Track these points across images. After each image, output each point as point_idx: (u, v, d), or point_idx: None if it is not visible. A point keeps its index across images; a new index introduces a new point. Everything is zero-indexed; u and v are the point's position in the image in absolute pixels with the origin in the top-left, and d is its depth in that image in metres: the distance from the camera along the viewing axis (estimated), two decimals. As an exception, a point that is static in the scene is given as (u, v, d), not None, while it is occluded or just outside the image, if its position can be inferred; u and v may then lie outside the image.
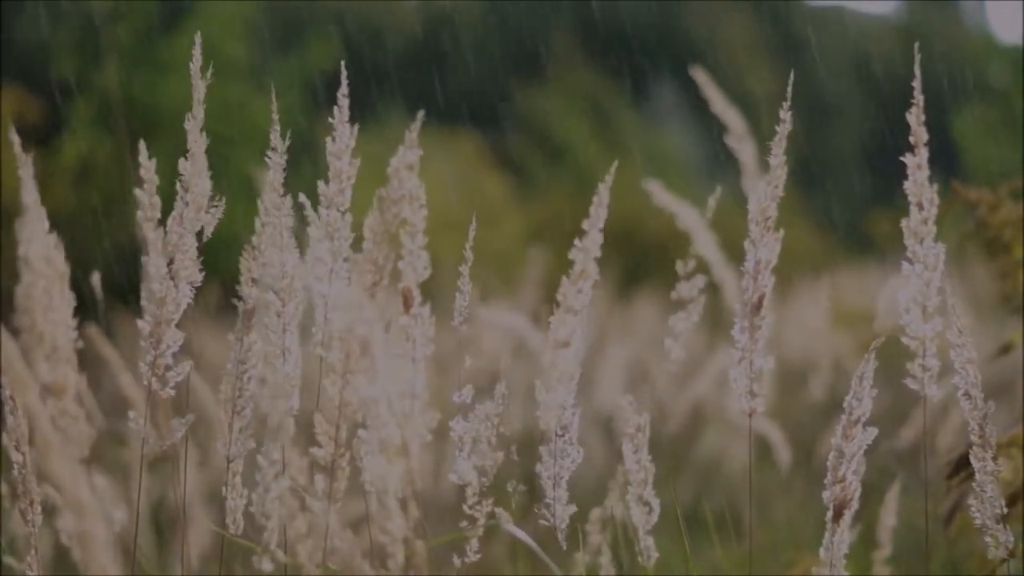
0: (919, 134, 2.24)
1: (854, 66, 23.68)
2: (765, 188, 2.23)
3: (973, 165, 16.45)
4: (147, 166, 2.49)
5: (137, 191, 2.49)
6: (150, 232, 2.57)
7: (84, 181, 9.34)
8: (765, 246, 2.23)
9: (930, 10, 26.60)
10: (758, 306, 2.22)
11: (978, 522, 2.17)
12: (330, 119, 2.27)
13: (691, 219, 3.86)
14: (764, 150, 2.30)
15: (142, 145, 2.48)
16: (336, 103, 2.28)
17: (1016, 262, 3.25)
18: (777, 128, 2.26)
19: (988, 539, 2.17)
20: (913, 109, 2.23)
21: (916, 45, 2.24)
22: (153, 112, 9.29)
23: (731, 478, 5.66)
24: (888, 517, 3.20)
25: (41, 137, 9.06)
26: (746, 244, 2.24)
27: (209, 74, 2.25)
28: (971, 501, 2.17)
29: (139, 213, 2.50)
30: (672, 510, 2.45)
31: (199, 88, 2.25)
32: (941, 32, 24.31)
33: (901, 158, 2.24)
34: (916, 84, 2.23)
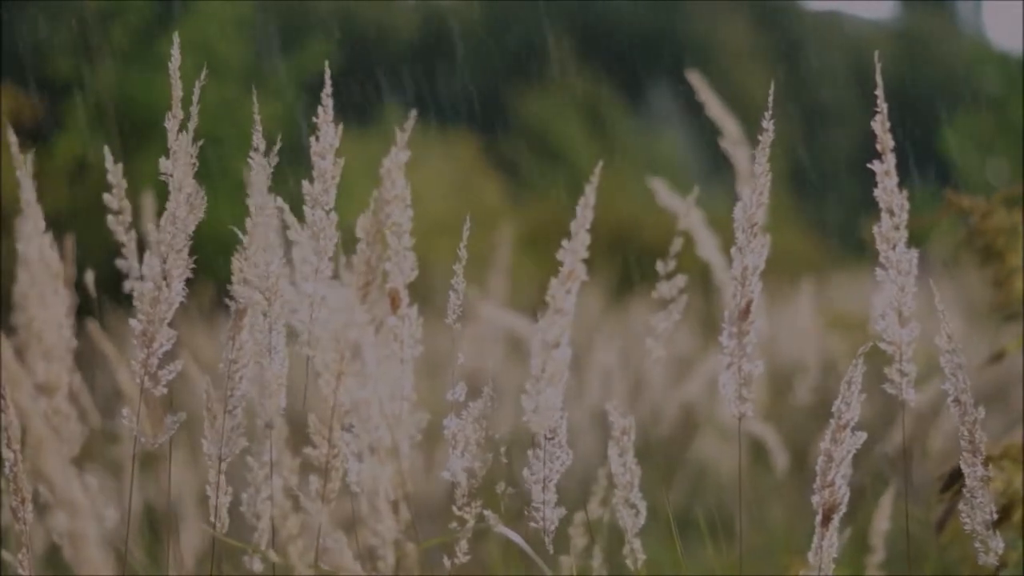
0: (885, 141, 2.24)
1: (851, 70, 23.71)
2: (750, 195, 2.24)
3: (968, 171, 16.47)
4: (114, 171, 2.51)
5: (106, 196, 2.49)
6: (122, 235, 2.58)
7: (80, 180, 9.34)
8: (752, 252, 2.24)
9: (927, 11, 26.63)
10: (746, 312, 2.23)
11: (968, 528, 2.18)
12: (313, 118, 2.28)
13: (693, 219, 3.87)
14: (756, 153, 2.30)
15: (107, 151, 2.49)
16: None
17: (1009, 269, 3.25)
18: (760, 137, 2.27)
19: (978, 545, 2.18)
20: (878, 117, 2.24)
21: (876, 54, 2.25)
22: (148, 112, 9.29)
23: (723, 481, 5.67)
24: (881, 522, 3.20)
25: (37, 136, 9.06)
26: (733, 251, 2.24)
27: (203, 75, 2.25)
28: (961, 507, 2.18)
29: (109, 217, 2.50)
30: (665, 513, 2.45)
31: (177, 87, 2.25)
32: (937, 37, 24.35)
33: (870, 164, 2.24)
34: (879, 92, 2.24)
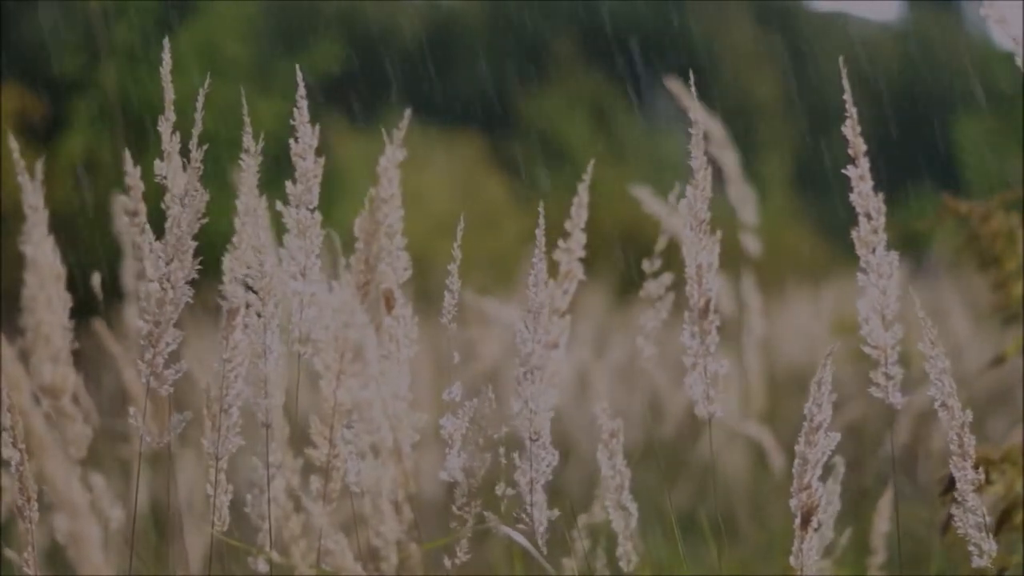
0: (857, 145, 2.23)
1: (856, 71, 23.67)
2: (692, 192, 2.23)
3: (974, 172, 16.45)
4: (132, 173, 2.53)
5: (122, 198, 2.52)
6: (136, 236, 2.60)
7: (85, 179, 9.35)
8: (704, 250, 2.22)
9: (934, 12, 26.59)
10: (706, 310, 2.21)
11: (961, 532, 2.17)
12: (304, 121, 2.29)
13: (676, 221, 3.88)
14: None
15: (127, 154, 2.51)
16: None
17: (1008, 274, 3.25)
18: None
19: (972, 548, 2.17)
20: (848, 122, 2.23)
21: (841, 59, 2.25)
22: (154, 111, 9.30)
23: (725, 482, 5.67)
24: (881, 523, 3.20)
25: (42, 135, 9.07)
26: (684, 250, 2.22)
27: (207, 83, 2.27)
28: (954, 511, 2.18)
29: (123, 219, 2.52)
30: (668, 513, 2.46)
31: (169, 91, 2.27)
32: (943, 38, 24.31)
33: (849, 167, 2.24)
34: (847, 96, 2.23)
